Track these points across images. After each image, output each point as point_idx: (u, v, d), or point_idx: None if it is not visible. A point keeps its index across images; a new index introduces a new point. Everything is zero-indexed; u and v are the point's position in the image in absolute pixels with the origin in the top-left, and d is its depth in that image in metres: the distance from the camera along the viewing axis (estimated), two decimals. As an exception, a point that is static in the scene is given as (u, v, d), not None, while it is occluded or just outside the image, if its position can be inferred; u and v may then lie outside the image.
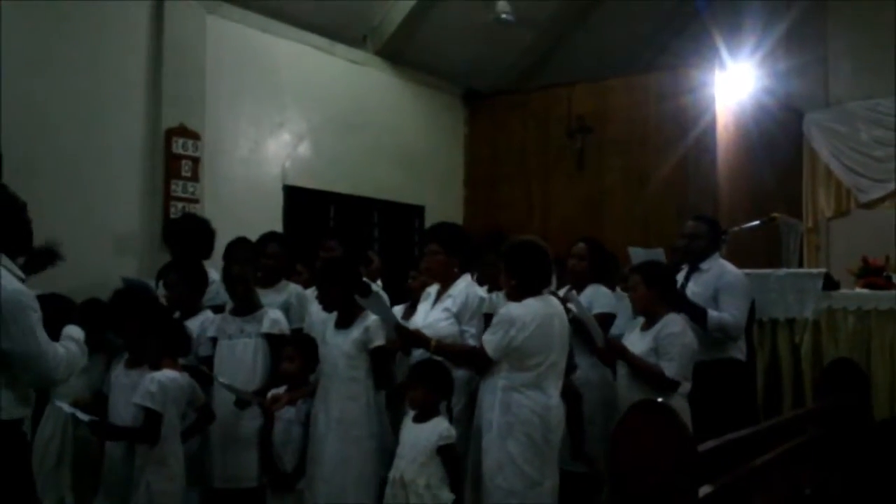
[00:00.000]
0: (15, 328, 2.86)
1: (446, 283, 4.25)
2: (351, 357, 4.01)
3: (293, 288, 4.89)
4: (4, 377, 2.92)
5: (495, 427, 3.64)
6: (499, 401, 3.65)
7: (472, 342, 4.10)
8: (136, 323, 3.99)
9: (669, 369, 3.96)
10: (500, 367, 3.69)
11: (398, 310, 4.64)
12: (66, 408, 3.80)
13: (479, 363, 3.79)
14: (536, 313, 3.69)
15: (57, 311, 3.38)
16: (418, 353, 4.13)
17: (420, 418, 3.84)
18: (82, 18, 5.72)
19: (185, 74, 6.26)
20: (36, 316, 2.94)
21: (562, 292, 4.53)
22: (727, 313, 4.56)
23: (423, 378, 3.89)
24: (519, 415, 3.62)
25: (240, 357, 4.28)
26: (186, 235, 5.12)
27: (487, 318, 4.12)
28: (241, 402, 4.16)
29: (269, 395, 4.17)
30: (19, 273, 3.06)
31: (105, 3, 5.84)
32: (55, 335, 3.13)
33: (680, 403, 3.88)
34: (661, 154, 7.77)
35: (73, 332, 3.23)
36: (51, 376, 3.02)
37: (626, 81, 8.19)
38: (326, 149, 7.44)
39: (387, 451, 4.04)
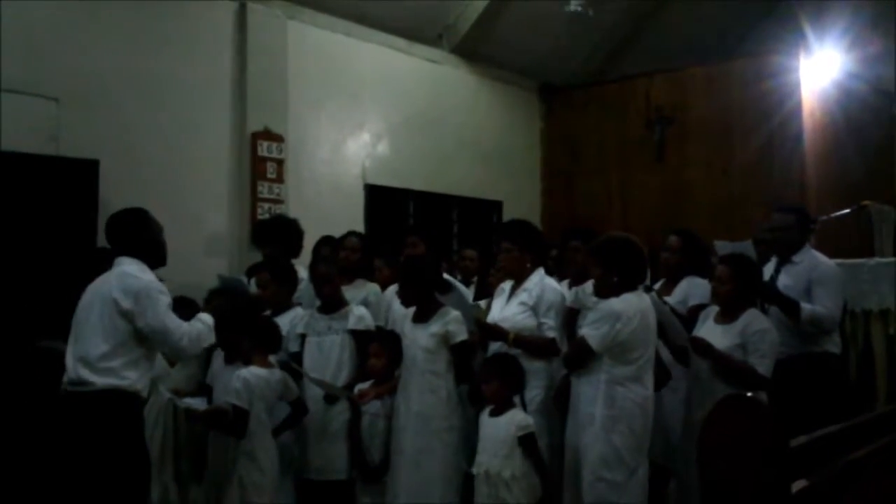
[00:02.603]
0: (147, 310, 3.51)
1: (520, 279, 4.29)
2: (429, 351, 4.07)
3: (370, 286, 4.97)
4: (136, 355, 3.55)
5: (599, 421, 3.65)
6: (602, 395, 3.67)
7: (550, 334, 4.12)
8: (230, 320, 4.13)
9: (762, 367, 3.87)
10: (601, 361, 3.69)
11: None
12: (166, 393, 4.11)
13: (573, 357, 3.81)
14: (637, 308, 3.71)
15: None
16: (495, 347, 4.17)
17: (496, 412, 3.89)
18: (169, 28, 5.95)
19: (268, 79, 6.45)
20: (165, 300, 3.59)
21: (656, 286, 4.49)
22: (821, 306, 4.43)
23: (495, 372, 3.94)
24: (624, 408, 3.64)
25: (327, 353, 4.38)
26: (277, 235, 5.26)
27: (571, 313, 4.11)
28: (331, 397, 4.27)
29: (356, 389, 4.26)
30: (151, 275, 3.70)
31: (190, 13, 6.06)
32: None
33: (762, 399, 3.80)
34: (744, 143, 7.61)
35: (203, 316, 3.83)
36: (179, 345, 3.62)
37: (707, 70, 8.05)
38: (405, 147, 7.54)
39: (470, 445, 4.09)
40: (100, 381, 3.44)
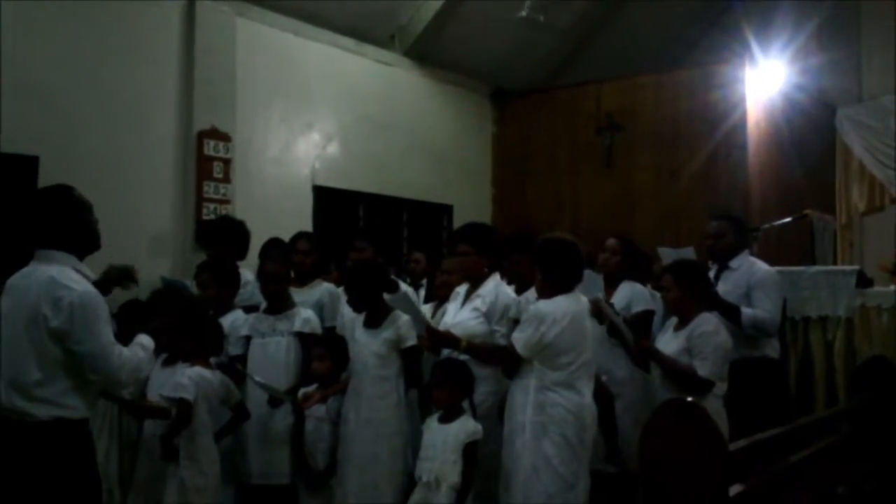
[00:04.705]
0: (83, 330, 2.96)
1: (476, 283, 4.26)
2: (381, 356, 4.04)
3: (326, 286, 4.94)
4: (76, 381, 3.02)
5: (529, 428, 3.59)
6: (531, 401, 3.60)
7: (502, 342, 4.10)
8: (173, 321, 4.05)
9: (703, 369, 3.89)
10: (531, 366, 3.64)
11: (426, 309, 4.67)
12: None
13: (508, 363, 3.79)
14: (567, 310, 3.65)
15: None
16: (446, 353, 4.15)
17: (446, 418, 3.87)
18: (115, 24, 5.81)
19: (216, 77, 6.34)
20: (103, 317, 3.04)
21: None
22: (761, 310, 4.51)
23: (446, 378, 3.91)
24: (553, 415, 3.57)
25: (272, 355, 4.34)
26: (222, 237, 5.19)
27: (516, 324, 4.11)
28: (274, 401, 4.21)
29: (301, 393, 4.21)
30: (89, 273, 3.15)
31: (136, 8, 5.93)
32: None
33: (714, 404, 3.81)
34: (691, 151, 7.72)
35: (143, 340, 3.27)
36: (116, 377, 3.08)
37: (656, 78, 8.14)
38: (355, 149, 7.49)
39: (416, 450, 4.07)
40: (39, 412, 2.94)
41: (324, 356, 4.21)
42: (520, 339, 3.65)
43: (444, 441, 3.78)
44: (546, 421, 3.57)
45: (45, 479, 2.95)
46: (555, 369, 3.62)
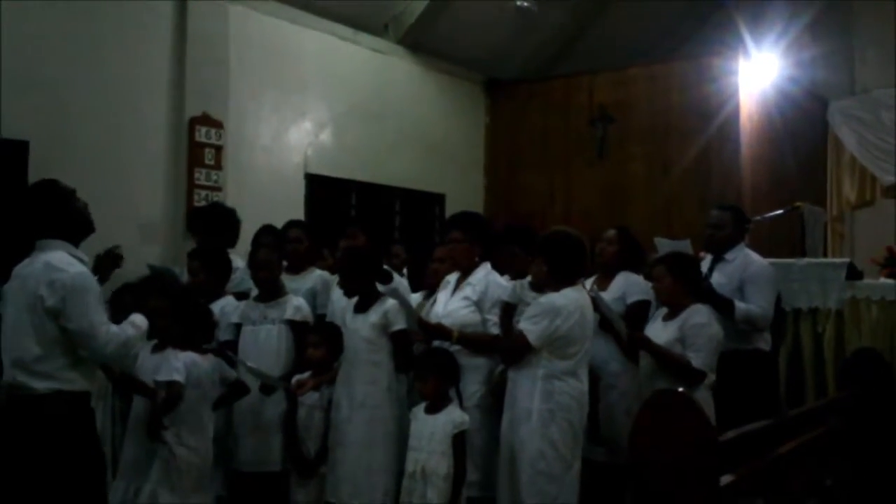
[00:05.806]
0: (74, 309, 3.20)
1: (467, 272, 4.27)
2: (371, 341, 4.05)
3: (319, 274, 4.94)
4: (73, 357, 3.26)
5: (536, 415, 3.66)
6: (539, 389, 3.67)
7: (494, 330, 4.12)
8: (163, 308, 4.03)
9: (696, 360, 3.93)
10: (538, 356, 3.69)
11: (416, 297, 4.67)
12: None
13: (511, 352, 3.81)
14: (577, 303, 3.73)
15: None
16: (436, 344, 4.15)
17: (432, 409, 3.87)
18: (107, 8, 5.76)
19: (209, 63, 6.30)
20: (93, 296, 3.28)
21: (588, 283, 4.51)
22: (754, 305, 4.51)
23: (431, 368, 3.92)
24: (560, 402, 3.66)
25: (263, 343, 4.33)
26: (212, 224, 5.17)
27: (507, 308, 4.12)
28: (267, 388, 4.21)
29: (294, 380, 4.21)
30: (81, 256, 3.39)
31: (129, -8, 5.90)
32: None
33: (703, 394, 3.86)
34: (683, 143, 7.73)
35: (136, 319, 3.49)
36: (102, 351, 3.29)
37: (649, 70, 8.15)
38: (348, 137, 7.47)
39: (405, 437, 4.07)
40: (40, 385, 3.18)
41: (319, 343, 4.21)
42: (533, 332, 3.68)
43: (432, 432, 3.80)
44: (554, 408, 3.66)
45: (47, 450, 3.16)
46: (562, 359, 3.70)
